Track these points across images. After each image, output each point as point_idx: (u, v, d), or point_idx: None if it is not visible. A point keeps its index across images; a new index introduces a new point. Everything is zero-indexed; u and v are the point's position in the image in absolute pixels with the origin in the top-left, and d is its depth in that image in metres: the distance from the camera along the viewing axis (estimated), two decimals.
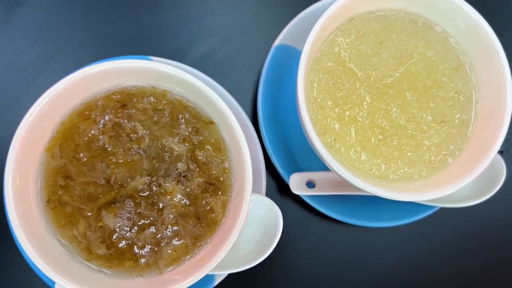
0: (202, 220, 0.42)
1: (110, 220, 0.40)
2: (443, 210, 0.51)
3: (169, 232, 0.41)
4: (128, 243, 0.41)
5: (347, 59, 0.45)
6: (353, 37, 0.45)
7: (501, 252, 0.57)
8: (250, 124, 0.50)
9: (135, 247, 0.41)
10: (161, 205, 0.41)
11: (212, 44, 0.55)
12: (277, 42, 0.52)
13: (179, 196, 0.42)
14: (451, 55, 0.46)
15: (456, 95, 0.45)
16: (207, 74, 0.50)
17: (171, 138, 0.42)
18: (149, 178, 0.41)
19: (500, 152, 0.57)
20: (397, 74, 0.45)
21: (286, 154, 0.52)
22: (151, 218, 0.41)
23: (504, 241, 0.57)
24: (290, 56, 0.52)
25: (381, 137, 0.44)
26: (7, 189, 0.37)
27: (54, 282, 0.43)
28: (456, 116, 0.45)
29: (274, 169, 0.51)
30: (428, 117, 0.44)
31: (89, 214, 0.40)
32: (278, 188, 0.55)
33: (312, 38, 0.41)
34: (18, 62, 0.53)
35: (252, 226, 0.44)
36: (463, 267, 0.56)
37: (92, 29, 0.55)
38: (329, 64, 0.45)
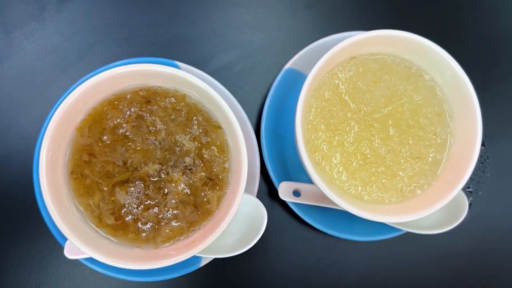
0: (199, 208, 0.45)
1: (121, 196, 0.44)
2: (409, 234, 0.53)
3: (169, 214, 0.44)
4: (134, 218, 0.44)
5: (344, 92, 0.48)
6: (352, 73, 0.48)
7: (457, 280, 0.60)
8: (253, 133, 0.53)
9: (139, 222, 0.44)
10: (166, 190, 0.44)
11: (231, 57, 0.59)
12: (288, 65, 0.55)
13: (182, 185, 0.45)
14: (435, 102, 0.48)
15: (434, 137, 0.48)
16: (223, 83, 0.52)
17: (183, 135, 0.45)
18: (159, 166, 0.44)
19: (470, 192, 0.61)
20: (385, 111, 0.48)
21: (280, 164, 0.54)
22: (156, 200, 0.44)
23: (461, 271, 0.60)
24: (297, 80, 0.54)
25: (362, 162, 0.47)
26: (41, 158, 0.40)
27: (64, 241, 0.48)
28: (431, 155, 0.47)
29: (268, 175, 0.54)
30: (406, 152, 0.47)
31: (105, 188, 0.44)
32: (268, 192, 0.57)
33: (316, 70, 0.44)
34: (62, 48, 0.57)
35: (240, 220, 0.46)
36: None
37: (129, 28, 0.58)
38: (327, 93, 0.48)
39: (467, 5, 0.64)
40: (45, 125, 0.49)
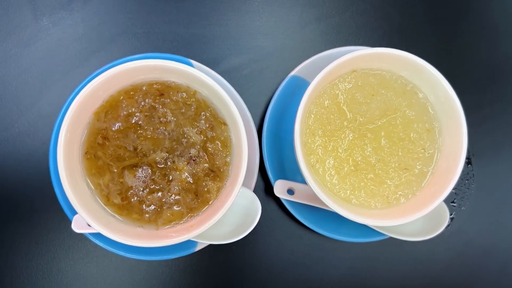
0: (199, 197, 0.46)
1: (129, 179, 0.45)
2: (392, 239, 0.53)
3: (171, 199, 0.46)
4: (139, 200, 0.45)
5: (342, 102, 0.49)
6: (351, 85, 0.49)
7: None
8: (255, 132, 0.54)
9: (143, 204, 0.45)
10: (171, 177, 0.46)
11: (241, 60, 0.60)
12: (293, 72, 0.56)
13: (186, 174, 0.46)
14: (427, 118, 0.49)
15: (423, 150, 0.49)
16: (232, 84, 0.53)
17: (191, 128, 0.47)
18: (167, 154, 0.46)
19: (453, 206, 0.63)
20: (379, 123, 0.49)
21: (277, 163, 0.55)
22: (161, 186, 0.45)
23: (437, 280, 0.61)
24: (300, 86, 0.55)
25: (353, 168, 0.48)
26: (60, 137, 0.42)
27: (72, 216, 0.49)
28: (418, 168, 0.49)
29: (265, 173, 0.55)
30: (395, 163, 0.48)
31: (115, 170, 0.45)
32: (264, 189, 0.59)
33: (319, 79, 0.46)
34: (86, 37, 0.59)
35: (236, 212, 0.47)
36: None
37: (150, 24, 0.60)
38: (327, 101, 0.49)
39: (467, 32, 0.65)
40: (64, 107, 0.51)
